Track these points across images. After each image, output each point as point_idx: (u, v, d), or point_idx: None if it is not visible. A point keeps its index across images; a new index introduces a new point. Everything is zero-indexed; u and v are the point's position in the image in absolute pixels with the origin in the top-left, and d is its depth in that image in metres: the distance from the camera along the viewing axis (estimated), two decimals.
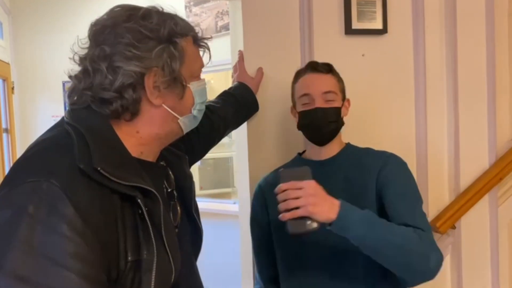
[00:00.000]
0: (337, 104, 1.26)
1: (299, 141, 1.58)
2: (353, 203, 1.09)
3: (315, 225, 1.00)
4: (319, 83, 1.26)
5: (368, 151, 1.31)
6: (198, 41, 0.91)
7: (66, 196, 0.71)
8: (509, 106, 1.82)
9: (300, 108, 1.29)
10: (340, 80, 1.31)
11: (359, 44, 1.64)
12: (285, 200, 1.01)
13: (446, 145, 1.76)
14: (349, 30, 1.61)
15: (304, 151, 1.38)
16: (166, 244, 0.83)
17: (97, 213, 0.74)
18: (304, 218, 1.00)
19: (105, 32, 0.82)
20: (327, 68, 1.28)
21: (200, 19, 3.74)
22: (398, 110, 1.70)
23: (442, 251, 1.73)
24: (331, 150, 1.29)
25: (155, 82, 0.83)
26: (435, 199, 1.74)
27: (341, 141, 1.33)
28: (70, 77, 0.86)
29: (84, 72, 0.84)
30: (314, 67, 1.29)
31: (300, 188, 1.01)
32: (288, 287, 1.28)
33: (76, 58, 0.85)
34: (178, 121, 0.89)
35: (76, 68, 0.85)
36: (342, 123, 1.29)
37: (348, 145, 1.33)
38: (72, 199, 0.71)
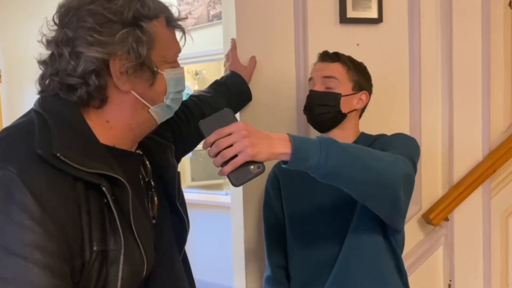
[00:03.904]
0: (338, 91, 1.26)
1: (292, 131, 1.56)
2: None
3: (259, 167, 0.86)
4: (322, 69, 1.30)
5: (380, 137, 1.28)
6: (172, 23, 0.86)
7: (23, 183, 0.68)
8: (503, 97, 1.81)
9: None
10: (351, 70, 1.29)
11: (354, 33, 1.61)
12: (218, 153, 0.86)
13: (440, 136, 1.75)
14: (344, 19, 1.58)
15: None
16: (136, 235, 0.80)
17: (57, 201, 0.71)
18: (246, 164, 0.86)
19: (69, 14, 0.79)
20: (335, 58, 1.30)
21: (192, 8, 3.69)
22: (392, 100, 1.68)
23: (435, 243, 1.76)
24: (341, 139, 1.19)
25: (121, 68, 0.79)
26: (428, 191, 1.73)
27: (355, 130, 1.32)
28: (39, 62, 0.83)
29: (51, 56, 0.81)
30: (321, 56, 1.32)
31: (230, 134, 0.85)
32: (297, 271, 1.28)
33: (44, 41, 0.82)
34: (149, 110, 0.86)
35: (46, 53, 0.82)
36: (343, 113, 1.26)
37: (362, 135, 1.32)
38: (30, 186, 0.69)
